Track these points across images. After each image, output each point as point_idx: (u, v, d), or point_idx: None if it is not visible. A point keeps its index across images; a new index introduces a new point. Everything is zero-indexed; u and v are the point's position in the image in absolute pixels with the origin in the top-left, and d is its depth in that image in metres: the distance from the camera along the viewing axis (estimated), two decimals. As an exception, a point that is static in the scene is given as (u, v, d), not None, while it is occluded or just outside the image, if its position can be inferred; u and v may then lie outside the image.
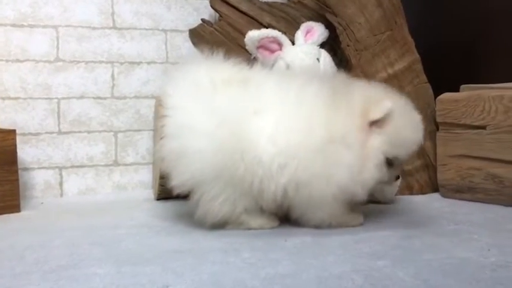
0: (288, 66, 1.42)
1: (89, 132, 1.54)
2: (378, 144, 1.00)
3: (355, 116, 1.00)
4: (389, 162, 1.01)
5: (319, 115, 0.99)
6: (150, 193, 1.52)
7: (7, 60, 1.46)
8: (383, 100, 0.99)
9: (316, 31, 1.47)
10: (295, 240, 0.96)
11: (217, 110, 0.99)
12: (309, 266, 0.79)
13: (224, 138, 0.97)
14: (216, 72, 1.04)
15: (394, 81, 1.42)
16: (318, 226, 1.03)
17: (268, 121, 0.98)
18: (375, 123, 0.99)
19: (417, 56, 1.44)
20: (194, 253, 0.88)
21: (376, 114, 0.98)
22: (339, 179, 0.97)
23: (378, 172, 1.00)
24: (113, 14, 1.56)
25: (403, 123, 1.01)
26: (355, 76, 1.43)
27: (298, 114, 0.99)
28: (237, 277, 0.75)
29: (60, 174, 1.51)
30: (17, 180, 1.28)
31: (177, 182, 1.02)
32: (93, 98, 1.54)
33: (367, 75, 1.42)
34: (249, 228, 1.04)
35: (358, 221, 1.08)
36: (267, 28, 1.50)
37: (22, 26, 1.47)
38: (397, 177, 1.11)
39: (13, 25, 1.46)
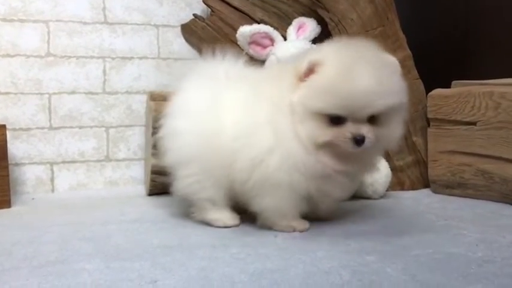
0: (279, 62, 1.42)
1: (80, 127, 1.53)
2: (298, 98, 0.89)
3: (291, 81, 0.91)
4: (334, 120, 0.88)
5: (264, 92, 0.95)
6: (141, 189, 1.52)
7: (-3, 55, 1.45)
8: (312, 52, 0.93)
9: (308, 27, 1.47)
10: (285, 236, 0.96)
11: (214, 98, 1.01)
12: (298, 261, 0.80)
13: (208, 122, 0.99)
14: (232, 70, 1.07)
15: (386, 77, 1.43)
16: (263, 221, 0.99)
17: (236, 108, 0.98)
18: (301, 78, 0.89)
19: (409, 52, 1.45)
20: (183, 248, 0.88)
21: (300, 67, 0.88)
22: (268, 164, 0.92)
23: (307, 130, 0.88)
24: (104, 9, 1.55)
25: (335, 71, 0.86)
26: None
27: (251, 97, 0.97)
28: (225, 272, 0.75)
29: (52, 170, 1.50)
30: (7, 175, 1.27)
31: (169, 161, 1.04)
32: (85, 93, 1.53)
33: (359, 71, 1.42)
34: (209, 221, 1.03)
35: (303, 227, 0.99)
36: (259, 23, 1.50)
37: (12, 20, 1.46)
38: (357, 141, 0.87)
39: (3, 20, 1.45)
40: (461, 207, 1.20)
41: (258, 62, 1.47)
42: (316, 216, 1.03)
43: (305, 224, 1.00)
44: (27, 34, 1.47)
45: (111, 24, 1.56)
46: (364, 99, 0.86)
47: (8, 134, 1.31)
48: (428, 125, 1.43)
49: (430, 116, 1.41)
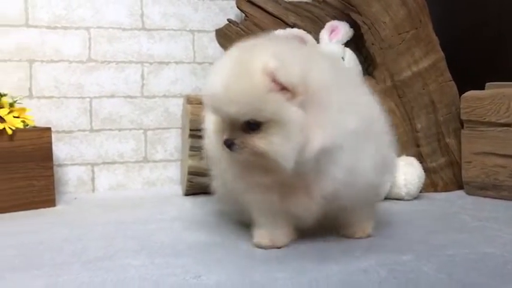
0: (313, 65, 1.44)
1: (119, 129, 1.59)
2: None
3: None
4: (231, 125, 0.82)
5: None
6: (178, 189, 1.56)
7: (42, 61, 1.52)
8: None
9: (340, 30, 1.49)
10: (321, 237, 0.98)
11: None
12: (335, 260, 0.82)
13: None
14: None
15: (419, 79, 1.44)
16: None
17: None
18: None
19: (441, 54, 1.45)
20: (224, 246, 0.92)
21: None
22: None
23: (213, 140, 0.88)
24: (142, 15, 1.61)
25: (211, 73, 0.84)
26: (380, 74, 1.45)
27: None
28: (265, 269, 0.78)
29: (92, 171, 1.57)
30: (52, 176, 1.34)
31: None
32: (124, 97, 1.59)
33: (392, 73, 1.44)
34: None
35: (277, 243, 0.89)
36: (292, 27, 1.53)
37: (56, 28, 1.53)
38: (227, 144, 0.81)
39: (48, 27, 1.52)
40: (495, 208, 1.21)
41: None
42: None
43: (280, 241, 0.90)
44: (69, 41, 1.54)
45: (149, 30, 1.62)
46: (215, 103, 0.81)
47: (52, 136, 1.37)
48: (462, 127, 1.43)
49: (463, 117, 1.41)
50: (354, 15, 1.46)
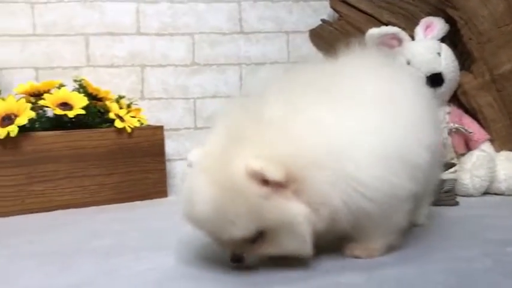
0: (408, 62, 1.46)
1: (220, 127, 1.70)
2: None
3: None
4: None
5: None
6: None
7: (152, 66, 1.67)
8: None
9: (436, 26, 1.49)
10: (421, 228, 1.01)
11: None
12: (438, 248, 0.86)
13: None
14: None
15: (520, 73, 1.41)
16: None
17: None
18: None
19: (545, 46, 1.41)
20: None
21: None
22: None
23: None
24: (240, 20, 1.72)
25: (184, 192, 0.75)
26: (477, 69, 1.44)
27: None
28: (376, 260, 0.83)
29: (197, 165, 1.69)
30: (165, 169, 1.48)
31: None
32: (224, 97, 1.71)
33: (491, 67, 1.42)
34: None
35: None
36: (386, 25, 1.55)
37: (164, 34, 1.68)
38: (235, 260, 0.75)
39: (156, 34, 1.67)
40: None
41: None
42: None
43: None
44: (175, 46, 1.68)
45: (247, 33, 1.72)
46: (207, 230, 0.72)
47: (163, 133, 1.51)
48: None
49: None
50: (450, 11, 1.46)
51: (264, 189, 0.67)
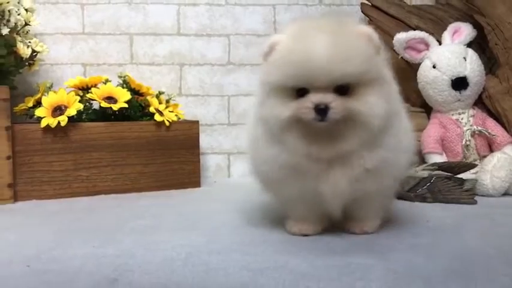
0: (434, 65, 1.52)
1: (252, 124, 1.80)
2: (260, 77, 0.89)
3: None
4: (298, 93, 0.82)
5: None
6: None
7: (190, 65, 1.78)
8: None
9: (463, 31, 1.54)
10: (437, 221, 1.08)
11: None
12: (448, 240, 0.92)
13: None
14: None
15: (545, 78, 1.44)
16: None
17: None
18: (264, 59, 0.87)
19: None
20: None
21: (263, 49, 0.87)
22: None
23: (270, 108, 0.84)
24: (274, 22, 1.80)
25: (290, 43, 0.82)
26: (503, 74, 1.48)
27: None
28: (383, 243, 0.90)
29: (229, 159, 1.79)
30: (199, 161, 1.58)
31: None
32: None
33: (516, 72, 1.46)
34: None
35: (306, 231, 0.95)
36: (414, 30, 1.61)
37: (202, 35, 1.78)
38: (319, 110, 0.79)
39: (195, 35, 1.78)
40: None
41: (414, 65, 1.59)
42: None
43: (310, 230, 0.95)
44: (212, 46, 1.78)
45: (280, 35, 1.80)
46: (320, 66, 0.78)
47: (198, 128, 1.61)
48: None
49: None
50: (477, 17, 1.50)
51: (373, 48, 0.82)
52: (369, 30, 0.84)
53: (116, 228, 1.04)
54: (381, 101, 0.81)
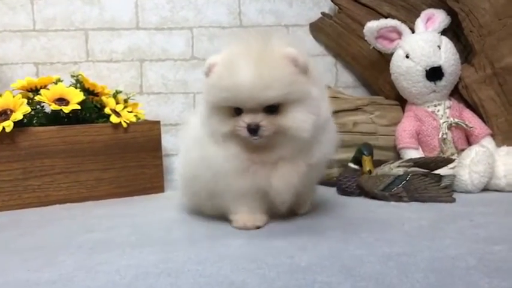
0: (407, 55, 1.44)
1: (219, 122, 1.70)
2: (203, 94, 0.97)
3: None
4: (234, 112, 0.93)
5: None
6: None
7: (151, 60, 1.67)
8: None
9: (437, 18, 1.47)
10: (413, 224, 1.00)
11: None
12: (425, 247, 0.84)
13: None
14: None
15: (522, 66, 1.37)
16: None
17: None
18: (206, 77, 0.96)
19: (549, 38, 1.37)
20: (315, 231, 0.97)
21: (204, 69, 0.95)
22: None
23: (212, 124, 0.95)
24: (239, 13, 1.70)
25: (222, 68, 0.91)
26: (479, 62, 1.41)
27: None
28: (355, 253, 0.82)
29: (196, 160, 1.69)
30: (161, 164, 1.47)
31: None
32: (223, 91, 1.69)
33: (492, 60, 1.39)
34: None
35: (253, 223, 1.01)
36: (386, 18, 1.53)
37: (163, 29, 1.67)
38: (251, 129, 0.91)
39: (156, 28, 1.67)
40: None
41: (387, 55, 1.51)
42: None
43: (261, 221, 1.01)
44: (174, 40, 1.68)
45: (246, 27, 1.70)
46: (245, 92, 0.88)
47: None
48: None
49: None
50: (450, 3, 1.43)
51: (296, 69, 0.90)
52: (293, 52, 0.90)
53: (60, 246, 0.93)
54: (309, 116, 0.91)
